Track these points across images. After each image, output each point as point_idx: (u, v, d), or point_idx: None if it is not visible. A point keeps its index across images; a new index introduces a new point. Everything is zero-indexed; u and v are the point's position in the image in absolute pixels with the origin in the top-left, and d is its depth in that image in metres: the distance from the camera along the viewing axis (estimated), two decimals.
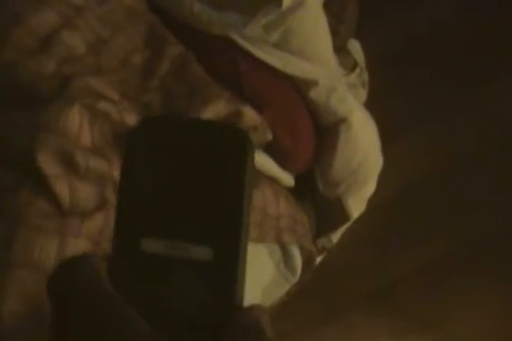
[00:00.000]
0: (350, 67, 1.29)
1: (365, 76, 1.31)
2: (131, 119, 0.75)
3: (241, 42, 1.02)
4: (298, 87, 1.05)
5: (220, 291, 0.33)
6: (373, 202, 1.15)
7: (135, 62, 0.88)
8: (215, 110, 0.84)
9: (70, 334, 0.31)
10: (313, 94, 1.04)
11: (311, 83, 1.04)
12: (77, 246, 0.63)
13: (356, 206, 1.13)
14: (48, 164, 0.64)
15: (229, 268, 0.33)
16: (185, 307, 0.33)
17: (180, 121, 0.37)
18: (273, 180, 0.99)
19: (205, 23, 1.02)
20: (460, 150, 1.38)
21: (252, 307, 0.33)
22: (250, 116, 0.87)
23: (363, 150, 1.07)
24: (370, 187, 1.14)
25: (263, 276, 0.95)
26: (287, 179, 1.02)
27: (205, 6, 1.03)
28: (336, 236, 1.13)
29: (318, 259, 1.09)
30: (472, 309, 1.24)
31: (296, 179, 1.06)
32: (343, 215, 1.12)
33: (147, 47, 0.92)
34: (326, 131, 1.07)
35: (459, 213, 1.32)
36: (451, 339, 1.23)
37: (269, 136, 0.89)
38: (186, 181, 0.34)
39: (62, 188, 0.65)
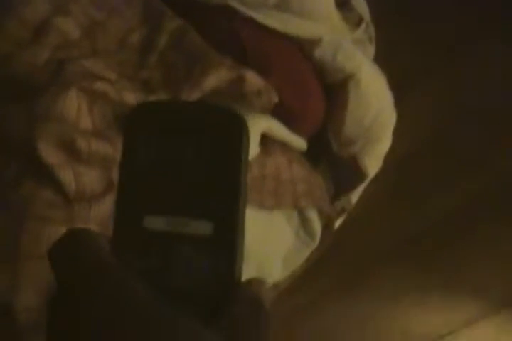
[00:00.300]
0: (356, 22, 1.24)
1: (372, 31, 1.27)
2: (131, 98, 0.73)
3: (241, 8, 0.98)
4: (302, 47, 1.01)
5: (220, 265, 0.33)
6: (388, 159, 1.13)
7: (132, 42, 0.86)
8: (216, 78, 0.82)
9: (72, 304, 0.31)
10: (319, 52, 1.01)
11: (315, 41, 1.00)
12: None
13: (372, 163, 1.11)
14: (49, 153, 0.63)
15: (228, 241, 0.34)
16: (186, 282, 0.33)
17: (177, 104, 0.39)
18: (284, 145, 0.96)
19: None
20: (470, 104, 1.35)
21: (252, 281, 0.34)
22: (253, 80, 0.85)
23: (374, 107, 1.04)
24: (385, 144, 1.11)
25: (282, 244, 0.94)
26: (299, 142, 1.00)
27: None
28: (354, 197, 1.11)
29: (338, 222, 1.07)
30: (498, 260, 1.22)
31: (309, 141, 1.04)
32: (360, 174, 1.09)
33: (144, 24, 0.90)
34: (335, 90, 1.04)
35: (476, 164, 1.29)
36: (478, 292, 1.21)
37: (275, 99, 0.87)
38: (185, 160, 0.35)
39: (66, 175, 0.64)
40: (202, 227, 0.34)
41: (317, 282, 1.11)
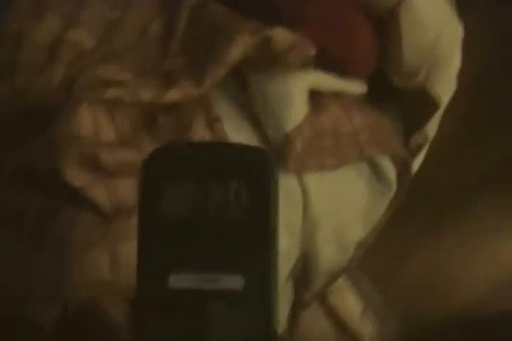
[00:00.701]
0: None
1: None
2: (147, 95, 0.69)
3: None
4: None
5: (254, 320, 0.32)
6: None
7: (153, 32, 0.80)
8: (241, 47, 0.75)
9: None
10: None
11: None
12: (129, 249, 0.61)
13: (443, 88, 1.00)
14: (74, 176, 0.61)
15: (261, 295, 0.32)
16: (221, 338, 0.32)
17: (194, 144, 0.36)
18: (340, 95, 0.89)
19: None
20: None
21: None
22: (280, 37, 0.77)
23: (432, 28, 0.92)
24: (454, 64, 0.99)
25: (357, 201, 0.89)
26: (356, 87, 0.92)
27: None
28: (431, 129, 1.02)
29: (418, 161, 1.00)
30: None
31: (368, 81, 0.95)
32: (432, 103, 1.00)
33: (162, 10, 0.82)
34: (384, 20, 0.93)
35: None
36: None
37: (311, 50, 0.79)
38: (209, 209, 0.32)
39: (98, 194, 0.62)
40: (232, 282, 0.32)
41: (402, 232, 1.06)
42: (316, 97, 0.86)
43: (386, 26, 0.93)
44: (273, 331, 0.32)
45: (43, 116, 0.66)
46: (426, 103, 1.00)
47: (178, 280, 0.32)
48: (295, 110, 0.80)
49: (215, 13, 0.81)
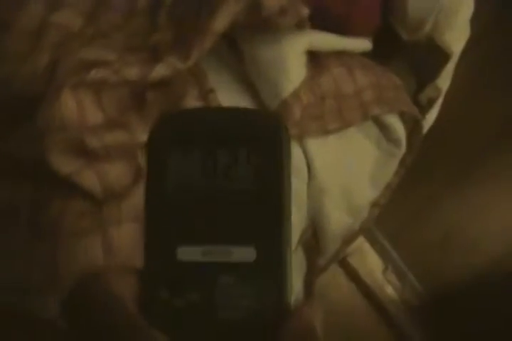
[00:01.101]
0: None
1: None
2: (132, 73, 0.66)
3: None
4: None
5: (267, 293, 0.31)
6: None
7: (140, 6, 0.76)
8: (227, 14, 0.72)
9: None
10: None
11: None
12: (122, 233, 0.60)
13: (453, 37, 0.95)
14: (61, 163, 0.60)
15: (275, 266, 0.31)
16: (233, 314, 0.31)
17: (204, 111, 0.34)
18: (341, 54, 0.85)
19: None
20: None
21: (303, 308, 0.31)
22: (270, 0, 0.73)
23: None
24: (464, 11, 0.94)
25: (364, 162, 0.86)
26: (359, 44, 0.88)
27: None
28: (444, 82, 0.97)
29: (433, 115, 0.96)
30: None
31: (376, 38, 0.91)
32: (442, 53, 0.95)
33: None
34: None
35: None
36: None
37: (304, 11, 0.75)
38: (219, 178, 0.31)
39: (88, 179, 0.61)
40: (243, 254, 0.31)
41: (420, 190, 1.02)
42: (315, 58, 0.82)
43: None
44: (287, 305, 0.31)
45: (29, 105, 0.64)
46: (436, 54, 0.95)
47: (187, 253, 0.31)
48: (291, 75, 0.77)
49: None
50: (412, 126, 0.89)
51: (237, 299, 0.30)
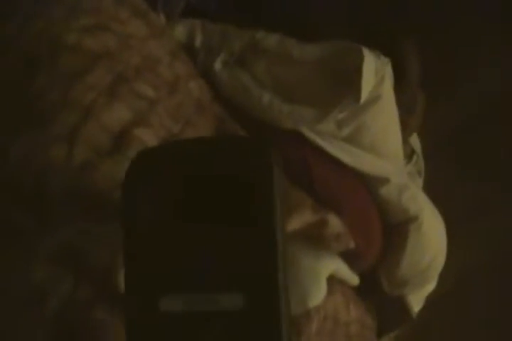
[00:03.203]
0: (408, 155, 1.26)
1: (421, 163, 1.29)
2: None
3: (312, 137, 0.99)
4: (368, 184, 1.02)
5: None
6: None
7: None
8: (300, 220, 0.81)
9: None
10: (384, 191, 1.01)
11: (383, 180, 1.01)
12: None
13: (416, 302, 1.09)
14: None
15: (266, 312, 0.27)
16: None
17: (183, 144, 0.31)
18: (343, 283, 0.95)
19: (275, 116, 0.99)
20: None
21: None
22: (335, 224, 0.84)
23: (432, 250, 1.03)
24: (432, 285, 1.10)
25: None
26: (354, 279, 0.99)
27: (274, 98, 1.01)
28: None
29: None
30: None
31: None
32: (405, 313, 1.08)
33: None
34: (394, 230, 1.04)
35: None
36: None
37: (352, 245, 0.86)
38: (203, 220, 0.27)
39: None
40: (231, 300, 0.27)
41: None
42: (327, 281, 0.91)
43: (393, 236, 1.04)
44: None
45: (108, 208, 0.66)
46: (400, 312, 1.07)
47: (169, 304, 0.28)
48: (321, 290, 0.84)
49: None
50: None
51: None
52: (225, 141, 0.29)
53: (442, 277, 1.09)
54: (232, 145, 0.27)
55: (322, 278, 0.86)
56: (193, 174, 0.27)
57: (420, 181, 1.27)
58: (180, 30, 1.08)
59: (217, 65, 1.06)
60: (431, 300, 1.12)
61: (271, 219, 0.27)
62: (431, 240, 1.03)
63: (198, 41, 1.10)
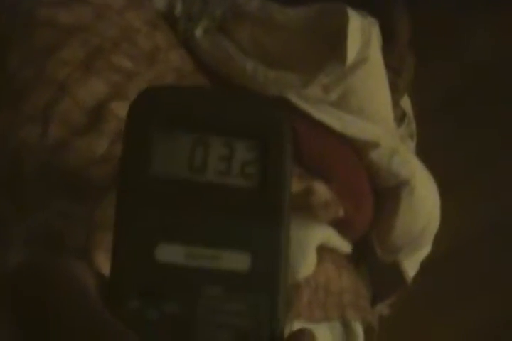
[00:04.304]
0: (399, 117, 1.23)
1: (413, 127, 1.26)
2: None
3: (299, 103, 0.96)
4: (357, 149, 0.99)
5: (259, 311, 0.26)
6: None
7: None
8: None
9: None
10: (375, 155, 0.98)
11: (372, 144, 0.98)
12: None
13: (411, 267, 1.08)
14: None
15: (270, 278, 0.26)
16: (216, 334, 0.25)
17: (196, 89, 0.30)
18: (333, 251, 0.93)
19: (260, 83, 0.96)
20: None
21: (297, 334, 0.27)
22: (321, 192, 0.82)
23: (425, 215, 1.01)
24: (426, 249, 1.09)
25: None
26: (346, 247, 0.97)
27: (259, 65, 0.98)
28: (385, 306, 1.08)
29: None
30: None
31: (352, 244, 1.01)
32: (400, 279, 1.06)
33: None
34: (386, 195, 1.01)
35: None
36: None
37: (340, 213, 0.84)
38: (209, 171, 0.26)
39: None
40: (236, 261, 0.26)
41: None
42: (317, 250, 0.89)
43: (385, 201, 1.02)
44: (280, 328, 0.26)
45: (79, 185, 0.65)
46: (395, 278, 1.06)
47: (166, 253, 0.26)
48: (308, 262, 0.83)
49: None
50: (368, 331, 0.96)
51: (223, 315, 0.26)
52: (245, 100, 0.28)
53: (437, 241, 1.08)
54: (251, 106, 0.27)
55: (311, 249, 0.84)
56: (204, 130, 0.26)
57: (412, 145, 1.24)
58: None
59: (198, 32, 1.02)
60: (426, 265, 1.11)
61: (281, 178, 0.27)
62: (424, 204, 1.01)
63: (178, 9, 1.07)
